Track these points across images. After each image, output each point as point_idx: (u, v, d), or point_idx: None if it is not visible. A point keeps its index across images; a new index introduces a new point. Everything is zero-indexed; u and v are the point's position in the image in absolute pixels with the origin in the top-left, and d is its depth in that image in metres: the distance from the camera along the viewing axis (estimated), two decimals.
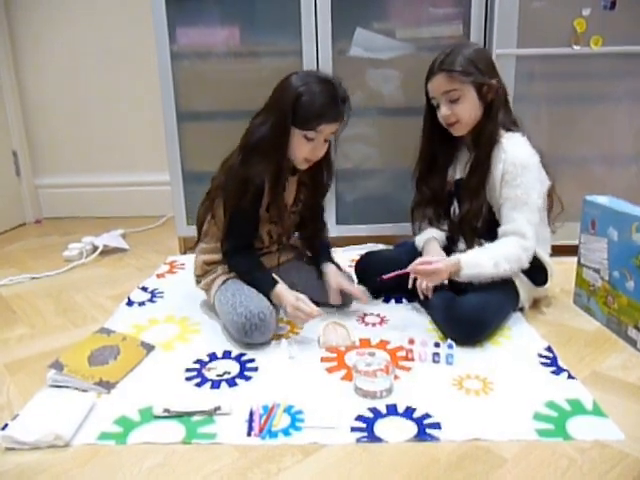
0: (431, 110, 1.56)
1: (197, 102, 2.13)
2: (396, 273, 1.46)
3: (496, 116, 1.48)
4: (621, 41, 1.87)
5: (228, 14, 2.05)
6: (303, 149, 1.43)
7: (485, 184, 1.51)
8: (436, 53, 1.52)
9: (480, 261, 1.43)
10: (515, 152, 1.46)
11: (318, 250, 1.67)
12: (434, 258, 1.47)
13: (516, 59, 1.91)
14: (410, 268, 1.45)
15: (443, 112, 1.50)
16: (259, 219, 1.53)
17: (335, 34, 2.00)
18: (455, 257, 1.46)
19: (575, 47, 1.88)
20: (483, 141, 1.50)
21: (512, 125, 1.53)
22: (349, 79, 2.05)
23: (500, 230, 1.48)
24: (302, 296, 1.45)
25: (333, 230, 2.23)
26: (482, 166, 1.50)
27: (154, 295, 1.83)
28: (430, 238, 1.65)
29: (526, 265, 1.46)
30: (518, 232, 1.44)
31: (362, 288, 1.67)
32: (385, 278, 1.46)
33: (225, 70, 2.09)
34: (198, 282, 1.65)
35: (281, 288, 1.47)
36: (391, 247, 1.78)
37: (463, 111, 1.48)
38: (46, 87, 2.84)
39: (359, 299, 1.59)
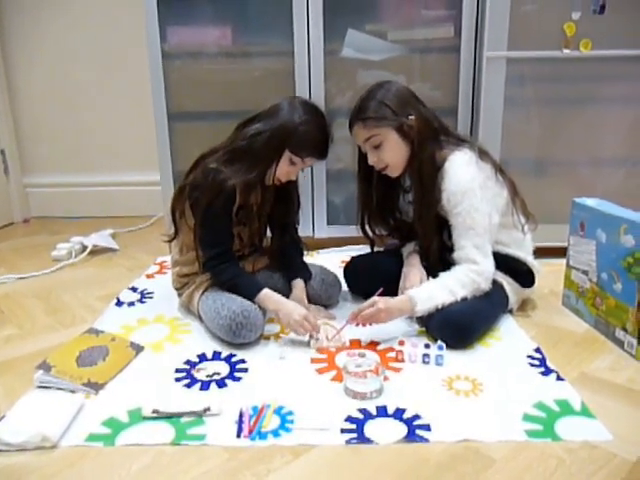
0: (364, 156, 1.53)
1: (188, 102, 2.12)
2: (377, 293, 1.44)
3: (424, 151, 1.44)
4: (610, 45, 1.89)
5: (220, 14, 2.04)
6: (282, 170, 1.47)
7: (433, 217, 1.49)
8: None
9: (433, 293, 1.42)
10: (454, 179, 1.42)
11: (289, 260, 1.67)
12: (377, 298, 1.42)
13: (506, 62, 1.93)
14: (352, 317, 1.44)
15: (369, 160, 1.50)
16: (232, 223, 1.53)
17: (327, 35, 2.00)
18: (406, 295, 1.44)
19: (565, 50, 1.90)
20: (419, 177, 1.47)
21: (458, 142, 1.49)
22: (340, 80, 2.07)
23: (453, 256, 1.47)
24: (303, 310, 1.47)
25: (324, 231, 2.24)
26: (428, 200, 1.47)
27: (143, 295, 1.82)
28: (411, 252, 1.64)
29: (486, 287, 1.44)
30: (467, 259, 1.44)
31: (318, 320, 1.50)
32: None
33: (217, 70, 2.08)
34: (179, 295, 1.67)
35: (271, 293, 1.49)
36: (381, 248, 1.78)
37: (388, 155, 1.47)
38: (36, 86, 2.82)
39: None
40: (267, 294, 1.48)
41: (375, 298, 1.43)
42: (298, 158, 1.46)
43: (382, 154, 1.47)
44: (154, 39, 2.00)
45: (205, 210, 1.45)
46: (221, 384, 1.27)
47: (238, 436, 1.08)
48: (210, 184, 1.43)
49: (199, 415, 1.14)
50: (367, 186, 1.62)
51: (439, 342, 1.36)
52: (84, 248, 2.28)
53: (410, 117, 1.43)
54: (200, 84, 2.09)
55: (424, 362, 1.35)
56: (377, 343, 1.45)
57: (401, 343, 1.40)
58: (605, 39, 1.88)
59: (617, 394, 1.22)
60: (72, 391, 1.23)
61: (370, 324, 1.48)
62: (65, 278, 2.04)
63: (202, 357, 1.40)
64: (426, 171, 1.46)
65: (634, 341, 1.36)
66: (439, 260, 1.52)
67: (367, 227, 1.67)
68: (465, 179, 1.42)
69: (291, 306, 1.46)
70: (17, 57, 2.78)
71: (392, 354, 1.39)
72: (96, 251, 2.30)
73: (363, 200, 1.64)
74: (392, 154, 1.47)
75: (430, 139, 1.46)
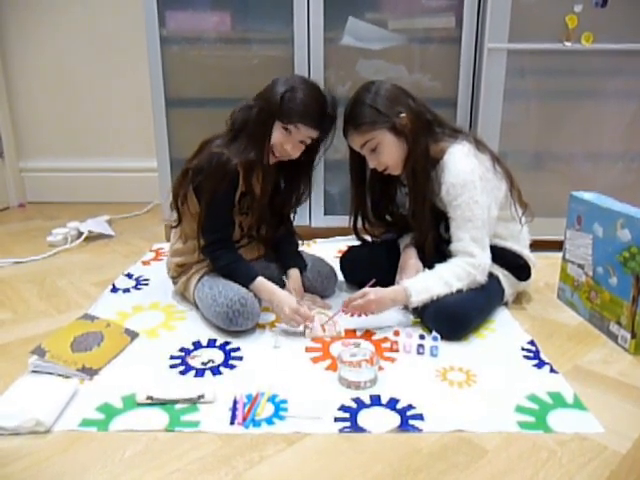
0: (359, 156, 1.53)
1: (186, 88, 2.11)
2: (369, 284, 1.45)
3: (418, 145, 1.44)
4: (612, 39, 1.88)
5: None
6: (277, 140, 1.44)
7: (428, 211, 1.49)
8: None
9: (428, 284, 1.42)
10: (454, 171, 1.42)
11: (284, 250, 1.67)
12: (368, 289, 1.42)
13: (507, 53, 1.92)
14: (343, 307, 1.45)
15: (370, 164, 1.51)
16: (234, 210, 1.53)
17: (327, 23, 1.99)
18: (401, 285, 1.45)
19: (566, 43, 1.89)
20: (412, 172, 1.47)
21: (453, 133, 1.50)
22: (340, 69, 2.06)
23: (450, 248, 1.47)
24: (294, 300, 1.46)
25: (320, 221, 2.23)
26: (422, 195, 1.48)
27: (139, 282, 1.81)
28: (408, 244, 1.63)
29: (482, 280, 1.44)
30: (464, 251, 1.44)
31: (312, 308, 1.53)
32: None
33: (215, 56, 2.07)
34: (175, 284, 1.66)
35: (266, 282, 1.49)
36: (378, 239, 1.78)
37: (386, 157, 1.47)
38: (33, 70, 2.80)
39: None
40: (262, 282, 1.48)
41: (366, 289, 1.43)
42: (291, 125, 1.42)
43: (380, 156, 1.47)
44: (152, 24, 1.98)
45: (209, 195, 1.44)
46: (216, 371, 1.27)
47: (232, 423, 1.08)
48: (214, 168, 1.42)
49: (193, 402, 1.14)
50: (362, 188, 1.62)
51: (434, 333, 1.37)
52: (80, 234, 2.27)
53: (401, 115, 1.43)
54: (198, 70, 2.07)
55: (419, 353, 1.35)
56: (372, 333, 1.45)
57: (396, 333, 1.40)
58: (607, 33, 1.87)
59: (609, 387, 1.22)
60: (66, 376, 1.23)
61: (364, 314, 1.48)
62: (60, 263, 2.03)
63: (197, 344, 1.40)
64: (419, 165, 1.46)
65: (628, 335, 1.37)
66: (435, 253, 1.52)
67: (361, 228, 1.67)
68: (465, 171, 1.42)
69: (283, 298, 1.46)
70: (14, 41, 2.75)
71: (387, 344, 1.39)
72: (92, 237, 2.30)
73: (357, 202, 1.64)
74: (390, 155, 1.47)
75: (424, 132, 1.46)
